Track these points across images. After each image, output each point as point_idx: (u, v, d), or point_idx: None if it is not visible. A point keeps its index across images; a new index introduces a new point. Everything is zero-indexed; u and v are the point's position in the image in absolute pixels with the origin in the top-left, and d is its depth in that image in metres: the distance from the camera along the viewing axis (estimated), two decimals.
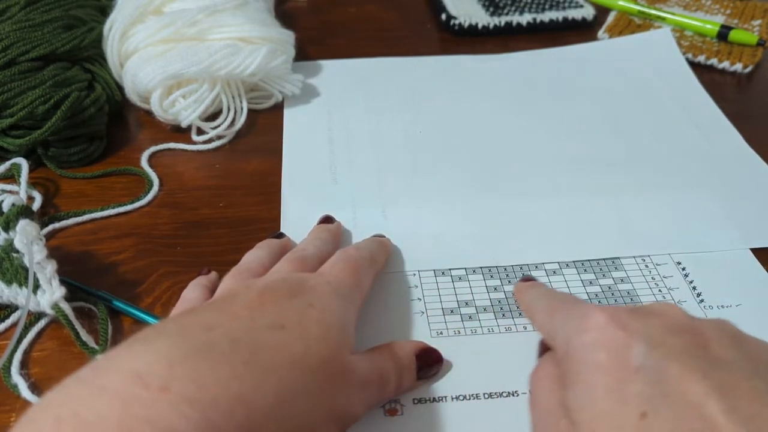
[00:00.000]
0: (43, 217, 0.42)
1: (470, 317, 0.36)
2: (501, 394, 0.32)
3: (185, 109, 0.49)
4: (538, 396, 0.28)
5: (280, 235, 0.39)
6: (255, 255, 0.36)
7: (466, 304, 0.37)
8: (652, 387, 0.22)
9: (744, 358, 0.24)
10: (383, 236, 0.40)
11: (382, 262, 0.38)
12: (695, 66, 0.59)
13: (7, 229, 0.34)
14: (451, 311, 0.36)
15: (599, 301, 0.37)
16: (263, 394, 0.23)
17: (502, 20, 0.64)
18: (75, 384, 0.22)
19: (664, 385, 0.22)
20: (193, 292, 0.35)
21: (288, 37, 0.54)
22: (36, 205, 0.43)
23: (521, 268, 0.39)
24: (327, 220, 0.40)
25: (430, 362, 0.32)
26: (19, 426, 0.21)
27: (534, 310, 0.33)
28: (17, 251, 0.33)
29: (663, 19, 0.64)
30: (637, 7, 0.65)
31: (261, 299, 0.28)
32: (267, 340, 0.26)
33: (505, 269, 0.39)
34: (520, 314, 0.36)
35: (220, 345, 0.24)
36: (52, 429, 0.20)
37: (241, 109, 0.51)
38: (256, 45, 0.50)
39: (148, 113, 0.51)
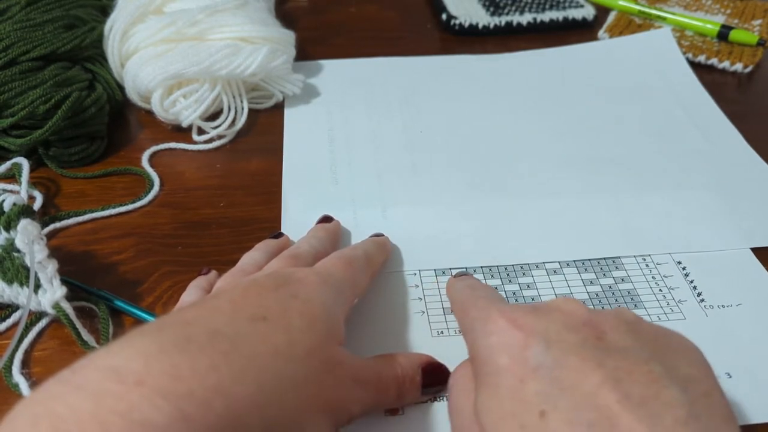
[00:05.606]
0: (44, 216, 0.42)
1: None
2: None
3: (186, 109, 0.49)
4: (455, 401, 0.28)
5: (279, 235, 0.39)
6: (251, 256, 0.36)
7: None
8: (550, 384, 0.23)
9: (640, 343, 0.24)
10: (382, 235, 0.40)
11: (379, 262, 0.38)
12: (695, 66, 0.59)
13: (8, 228, 0.34)
14: (452, 311, 0.36)
15: (599, 301, 0.37)
16: (243, 384, 0.23)
17: (503, 20, 0.64)
18: (54, 384, 0.22)
19: (561, 381, 0.23)
20: (190, 295, 0.35)
21: (288, 37, 0.54)
22: (37, 205, 0.43)
23: (521, 267, 0.39)
24: (326, 219, 0.40)
25: (436, 379, 0.31)
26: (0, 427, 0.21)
27: (454, 305, 0.33)
28: (18, 251, 0.34)
29: (663, 18, 0.64)
30: (638, 7, 0.65)
31: (245, 293, 0.28)
32: (248, 331, 0.25)
33: (506, 268, 0.39)
34: None
35: (198, 337, 0.24)
36: (29, 427, 0.20)
37: (242, 108, 0.51)
38: (256, 45, 0.50)
39: (149, 113, 0.51)
